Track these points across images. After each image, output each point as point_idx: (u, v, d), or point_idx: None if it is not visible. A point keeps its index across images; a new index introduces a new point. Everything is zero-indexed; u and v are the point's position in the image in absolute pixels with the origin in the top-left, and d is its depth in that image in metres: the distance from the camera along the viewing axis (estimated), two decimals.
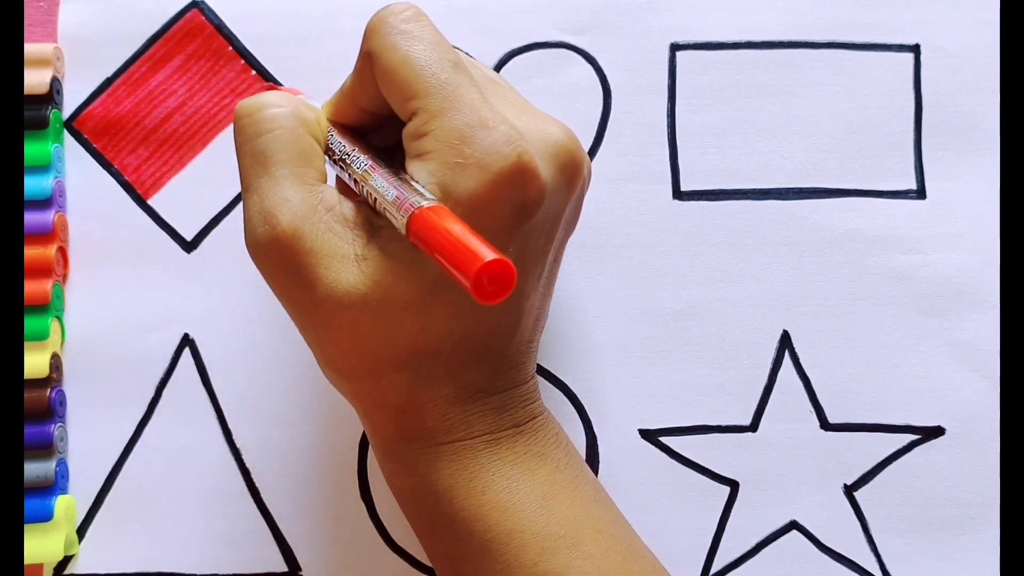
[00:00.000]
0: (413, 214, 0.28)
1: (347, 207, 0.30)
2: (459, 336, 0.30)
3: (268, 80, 0.40)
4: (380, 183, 0.29)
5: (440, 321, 0.30)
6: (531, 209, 0.29)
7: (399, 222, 0.28)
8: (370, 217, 0.30)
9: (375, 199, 0.30)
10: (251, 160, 0.30)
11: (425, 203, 0.28)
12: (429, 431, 0.31)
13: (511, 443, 0.32)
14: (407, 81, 0.29)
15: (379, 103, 0.31)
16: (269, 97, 0.31)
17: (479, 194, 0.28)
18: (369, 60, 0.30)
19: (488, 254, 0.26)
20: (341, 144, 0.32)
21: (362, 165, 0.31)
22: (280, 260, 0.30)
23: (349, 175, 0.31)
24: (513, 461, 0.31)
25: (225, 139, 0.40)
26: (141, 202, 0.39)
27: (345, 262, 0.29)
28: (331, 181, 0.32)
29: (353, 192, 0.32)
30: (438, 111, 0.29)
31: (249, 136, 0.30)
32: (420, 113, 0.29)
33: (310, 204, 0.30)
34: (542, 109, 0.40)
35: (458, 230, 0.27)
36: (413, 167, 0.29)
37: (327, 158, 0.32)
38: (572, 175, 0.31)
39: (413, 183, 0.29)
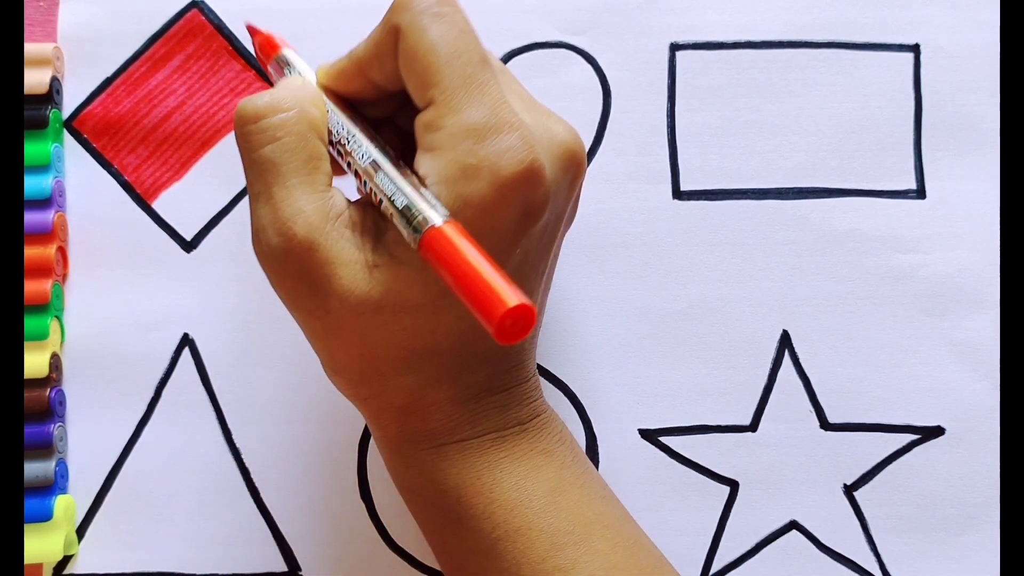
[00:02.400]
0: (426, 232, 0.27)
1: (355, 211, 0.30)
2: (466, 337, 0.30)
3: (266, 80, 0.40)
4: (387, 184, 0.29)
5: (448, 323, 0.30)
6: (538, 212, 0.29)
7: (409, 236, 0.28)
8: (377, 220, 0.30)
9: (380, 199, 0.29)
10: (260, 169, 0.29)
11: (438, 220, 0.27)
12: (435, 431, 0.31)
13: (517, 440, 0.32)
14: (433, 67, 0.28)
15: (393, 79, 0.30)
16: (275, 99, 0.30)
17: (489, 199, 0.28)
18: (394, 35, 0.29)
19: (511, 298, 0.25)
20: (340, 125, 0.31)
21: (365, 157, 0.30)
22: (295, 270, 0.29)
23: (349, 164, 0.30)
24: (520, 458, 0.31)
25: (225, 141, 0.40)
26: (141, 202, 0.39)
27: (358, 269, 0.29)
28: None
29: (357, 189, 0.31)
30: (458, 106, 0.28)
31: (256, 144, 0.29)
32: (438, 104, 0.28)
33: (323, 212, 0.29)
34: None
35: (477, 260, 0.26)
36: (422, 160, 0.29)
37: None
38: (575, 175, 0.31)
39: (422, 190, 0.28)
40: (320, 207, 0.29)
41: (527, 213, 0.29)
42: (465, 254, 0.26)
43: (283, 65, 0.33)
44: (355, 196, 0.31)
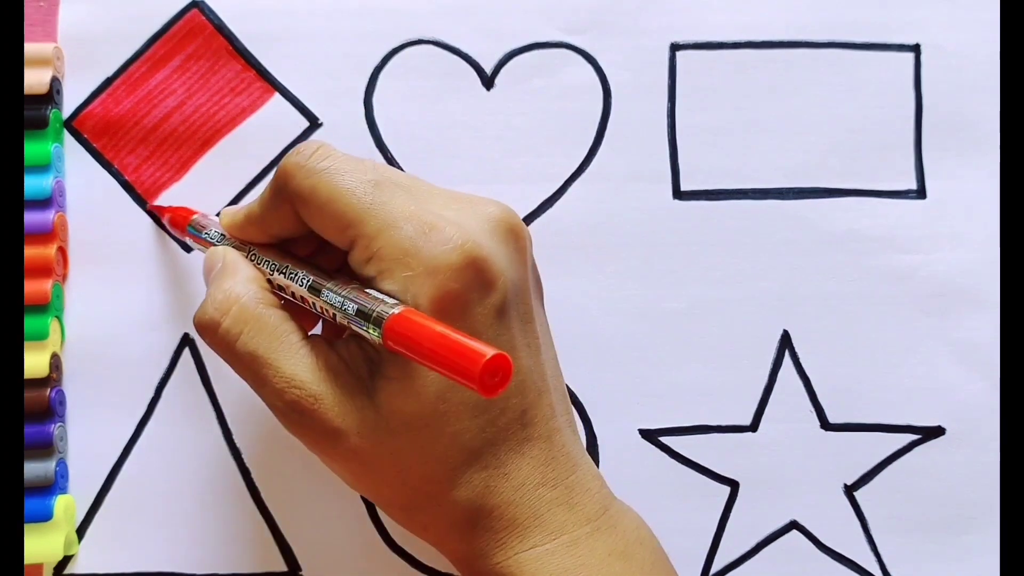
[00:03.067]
0: (386, 323, 0.28)
1: (341, 349, 0.31)
2: (491, 433, 0.31)
3: (266, 79, 0.40)
4: (333, 298, 0.30)
5: (464, 423, 0.30)
6: (496, 289, 0.30)
7: (371, 335, 0.29)
8: (361, 345, 0.31)
9: (333, 315, 0.30)
10: (243, 364, 0.31)
11: (393, 310, 0.28)
12: (503, 541, 0.31)
13: (590, 543, 0.31)
14: (338, 213, 0.30)
15: (295, 231, 0.32)
16: (220, 300, 0.31)
17: (440, 296, 0.29)
18: (288, 201, 0.31)
19: (483, 350, 0.26)
20: (270, 263, 0.33)
21: (304, 281, 0.31)
22: (310, 427, 0.30)
23: (293, 294, 0.32)
24: (597, 566, 0.31)
25: (225, 141, 0.40)
26: (141, 202, 0.39)
27: (362, 404, 0.30)
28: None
29: (334, 328, 0.32)
30: (376, 232, 0.30)
31: (227, 346, 0.31)
32: (360, 239, 0.30)
33: (309, 369, 0.30)
34: (542, 109, 0.40)
35: (441, 330, 0.27)
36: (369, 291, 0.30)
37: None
38: (517, 243, 0.32)
39: (367, 291, 0.30)
40: (305, 366, 0.31)
41: (484, 292, 0.30)
42: (428, 327, 0.27)
43: (199, 230, 0.36)
44: None
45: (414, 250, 0.29)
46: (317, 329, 0.35)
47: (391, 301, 0.29)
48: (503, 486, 0.31)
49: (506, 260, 0.31)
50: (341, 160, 0.31)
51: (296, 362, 0.31)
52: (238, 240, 0.34)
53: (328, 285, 0.31)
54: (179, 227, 0.37)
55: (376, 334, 0.28)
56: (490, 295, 0.30)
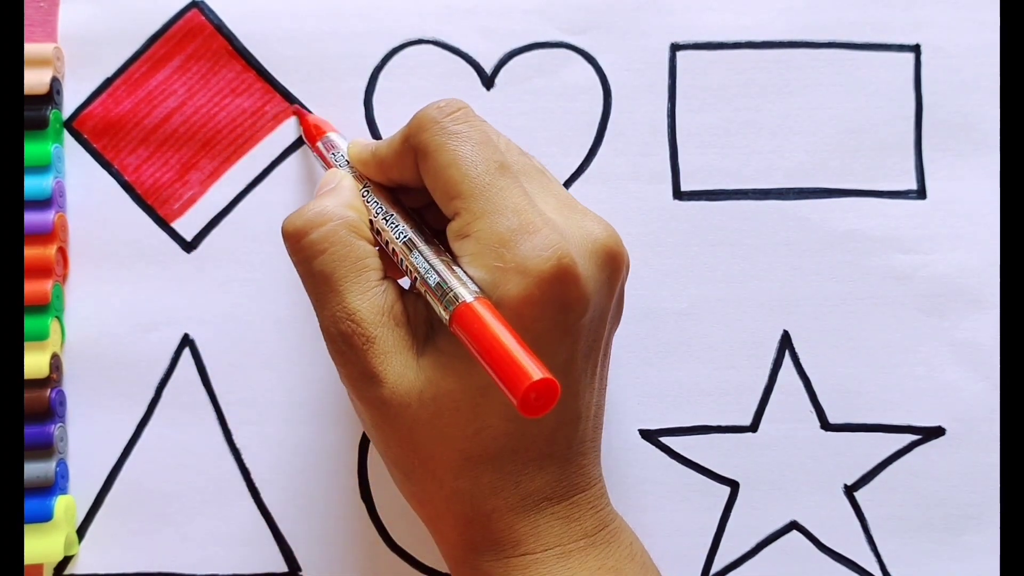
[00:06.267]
0: (457, 308, 0.28)
1: (407, 303, 0.31)
2: (516, 440, 0.30)
3: (266, 80, 0.40)
4: (421, 262, 0.30)
5: (494, 422, 0.30)
6: (576, 310, 0.30)
7: (441, 312, 0.29)
8: (428, 311, 0.31)
9: (415, 277, 0.30)
10: (313, 280, 0.31)
11: (469, 296, 0.28)
12: (497, 543, 0.31)
13: (583, 557, 0.31)
14: (453, 181, 0.30)
15: (412, 181, 0.32)
16: (315, 214, 0.31)
17: (521, 298, 0.29)
18: (412, 151, 0.31)
19: (535, 372, 0.26)
20: (378, 205, 0.33)
21: (402, 235, 0.32)
22: (353, 361, 0.31)
23: (387, 242, 0.32)
24: None
25: (222, 143, 0.40)
26: (141, 202, 0.39)
27: (408, 360, 0.30)
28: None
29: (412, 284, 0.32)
30: (481, 213, 0.30)
31: (305, 258, 0.31)
32: (463, 214, 0.30)
33: (374, 309, 0.30)
34: (542, 109, 0.40)
35: (504, 336, 0.27)
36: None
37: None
38: (613, 271, 0.31)
39: (455, 267, 0.30)
40: (371, 305, 0.30)
41: (564, 309, 0.29)
42: (493, 329, 0.27)
43: (328, 148, 0.36)
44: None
45: (512, 244, 0.29)
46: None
47: (472, 287, 0.29)
48: (510, 492, 0.31)
49: (595, 285, 0.30)
50: (476, 129, 0.31)
51: (364, 298, 0.30)
52: (359, 173, 0.34)
53: (421, 247, 0.31)
54: (312, 139, 0.37)
55: (446, 313, 0.28)
56: (568, 314, 0.30)
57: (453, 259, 0.30)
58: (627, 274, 0.33)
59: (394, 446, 0.31)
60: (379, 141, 0.34)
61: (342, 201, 0.32)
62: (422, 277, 0.30)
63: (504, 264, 0.29)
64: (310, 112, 0.39)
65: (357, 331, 0.30)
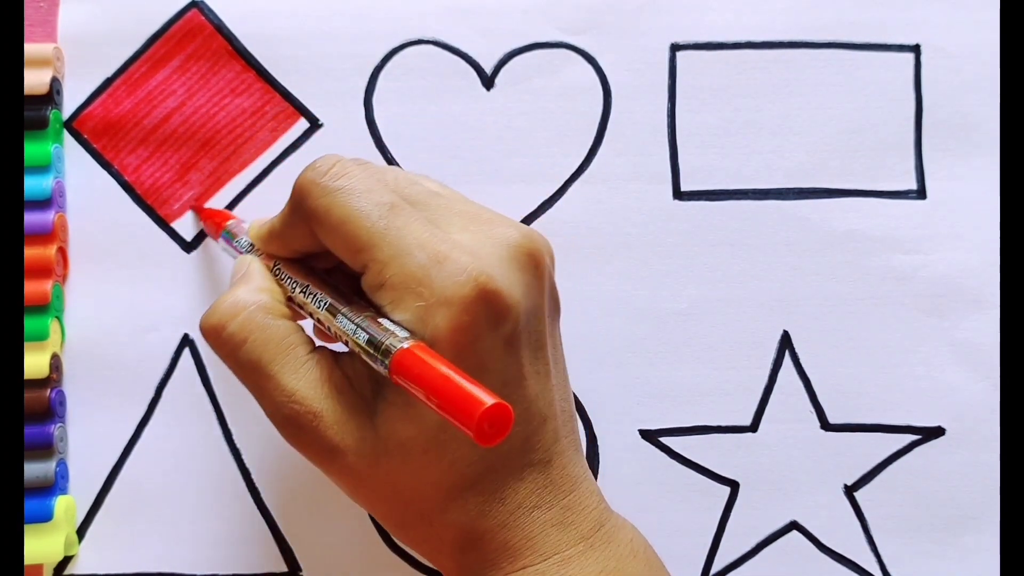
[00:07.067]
0: (392, 359, 0.28)
1: (347, 365, 0.31)
2: (491, 459, 0.30)
3: (266, 80, 0.40)
4: (347, 324, 0.30)
5: (464, 451, 0.30)
6: (509, 320, 0.30)
7: (379, 366, 0.29)
8: (368, 366, 0.31)
9: (346, 340, 0.30)
10: (244, 372, 0.31)
11: (400, 344, 0.28)
12: (495, 562, 0.31)
13: (582, 561, 0.31)
14: (351, 236, 0.30)
15: (316, 247, 0.32)
16: (230, 304, 0.31)
17: (452, 328, 0.29)
18: (305, 219, 0.31)
19: (486, 399, 0.26)
20: (292, 280, 0.32)
21: (322, 304, 0.31)
22: (308, 441, 0.30)
23: (310, 314, 0.32)
24: None
25: (222, 143, 0.40)
26: (141, 202, 0.39)
27: (362, 421, 0.30)
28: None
29: (346, 347, 0.32)
30: (388, 259, 0.29)
31: (230, 351, 0.31)
32: (372, 264, 0.30)
33: (312, 383, 0.30)
34: (542, 109, 0.40)
35: (444, 372, 0.27)
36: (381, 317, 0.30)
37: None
38: (535, 269, 0.31)
39: (380, 320, 0.29)
40: (307, 380, 0.30)
41: (497, 324, 0.29)
42: (431, 370, 0.27)
43: (232, 237, 0.36)
44: None
45: (427, 280, 0.29)
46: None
47: (401, 334, 0.29)
48: (497, 510, 0.31)
49: (520, 288, 0.30)
50: (358, 179, 0.31)
51: (299, 376, 0.30)
52: (265, 253, 0.34)
53: (343, 310, 0.30)
54: (214, 232, 0.37)
55: (384, 366, 0.28)
56: (500, 326, 0.30)
57: (377, 311, 0.30)
58: (552, 264, 0.33)
59: (377, 503, 0.31)
60: (275, 216, 0.33)
61: (253, 286, 0.32)
62: (351, 339, 0.30)
63: (426, 301, 0.29)
64: (203, 208, 0.39)
65: (302, 411, 0.30)
